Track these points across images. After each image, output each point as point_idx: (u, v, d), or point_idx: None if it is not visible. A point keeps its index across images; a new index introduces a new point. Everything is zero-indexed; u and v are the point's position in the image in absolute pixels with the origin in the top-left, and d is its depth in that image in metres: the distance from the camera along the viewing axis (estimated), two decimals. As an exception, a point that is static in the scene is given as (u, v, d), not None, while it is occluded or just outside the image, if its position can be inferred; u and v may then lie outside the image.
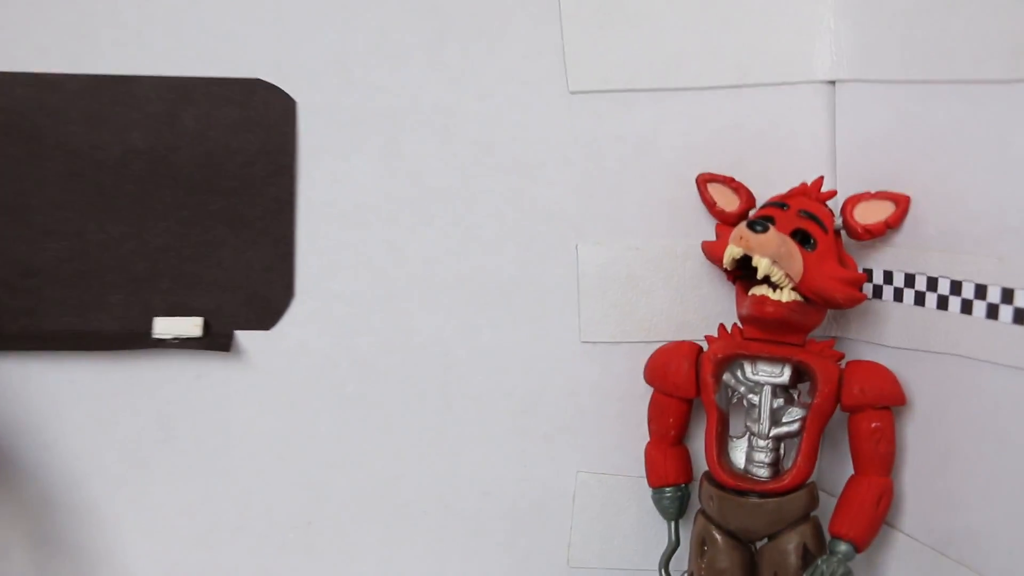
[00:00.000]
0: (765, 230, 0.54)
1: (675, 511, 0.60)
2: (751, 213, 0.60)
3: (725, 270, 0.57)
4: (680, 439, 0.61)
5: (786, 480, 0.56)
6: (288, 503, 0.63)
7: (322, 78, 0.61)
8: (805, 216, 0.56)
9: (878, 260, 0.58)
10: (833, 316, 0.61)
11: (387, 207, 0.62)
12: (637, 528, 0.63)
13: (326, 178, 0.61)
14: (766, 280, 0.55)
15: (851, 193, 0.58)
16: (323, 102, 0.61)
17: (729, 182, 0.61)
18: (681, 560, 0.61)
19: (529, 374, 0.62)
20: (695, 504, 0.60)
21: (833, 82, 0.60)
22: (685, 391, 0.59)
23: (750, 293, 0.56)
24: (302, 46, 0.61)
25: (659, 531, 0.62)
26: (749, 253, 0.54)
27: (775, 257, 0.54)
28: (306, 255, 0.62)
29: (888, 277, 0.58)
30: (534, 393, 0.63)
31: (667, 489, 0.60)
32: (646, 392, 0.61)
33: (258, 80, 0.61)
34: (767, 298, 0.55)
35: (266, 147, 0.61)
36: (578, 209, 0.62)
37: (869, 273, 0.58)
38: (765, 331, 0.57)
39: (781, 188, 0.60)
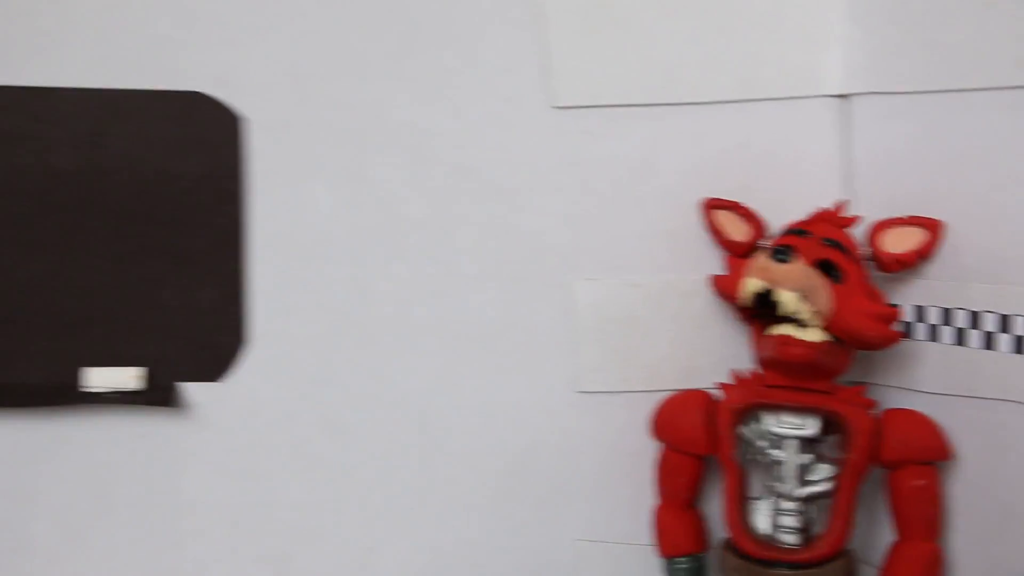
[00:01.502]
0: (789, 260, 0.49)
1: (690, 585, 0.55)
2: (762, 242, 0.54)
3: (740, 308, 0.52)
4: (693, 501, 0.55)
5: (822, 548, 0.50)
6: (245, 582, 0.57)
7: (273, 92, 0.56)
8: (830, 244, 0.51)
9: (907, 295, 0.54)
10: (857, 360, 0.55)
11: (352, 240, 0.56)
12: (646, 604, 0.57)
13: (280, 206, 0.56)
14: (790, 318, 0.49)
15: (870, 219, 0.53)
16: (275, 119, 0.56)
17: (737, 208, 0.55)
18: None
19: (519, 429, 0.57)
20: (710, 576, 0.54)
21: (844, 96, 0.56)
22: (699, 447, 0.53)
23: (771, 333, 0.50)
24: (250, 55, 0.56)
25: (671, 607, 0.56)
26: (772, 287, 0.49)
27: (802, 291, 0.48)
28: (259, 295, 0.56)
29: (920, 313, 0.53)
30: (525, 451, 0.57)
31: (681, 560, 0.54)
32: (650, 448, 0.55)
33: (198, 93, 0.56)
34: (792, 338, 0.49)
35: (210, 171, 0.56)
36: (568, 240, 0.57)
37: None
38: (790, 377, 0.51)
39: (790, 214, 0.55)
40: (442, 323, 0.56)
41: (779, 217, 0.55)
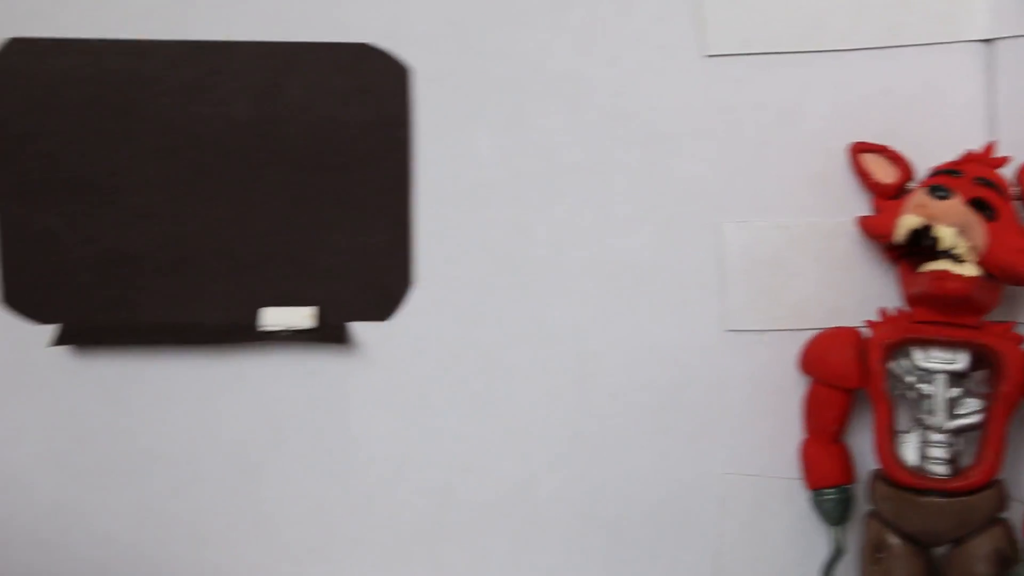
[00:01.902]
0: (949, 196, 0.50)
1: (838, 515, 0.55)
2: (910, 185, 0.55)
3: (889, 248, 0.54)
4: (840, 435, 0.56)
5: (973, 477, 0.51)
6: (411, 511, 0.58)
7: (438, 43, 0.57)
8: (982, 183, 0.52)
9: (1056, 234, 0.54)
10: (1005, 298, 0.55)
11: (513, 184, 0.57)
12: (792, 535, 0.57)
13: (445, 153, 0.57)
14: (946, 253, 0.50)
15: (1017, 160, 0.54)
16: (440, 69, 0.57)
17: (885, 151, 0.56)
18: (845, 570, 0.56)
19: (670, 366, 0.57)
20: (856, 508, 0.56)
21: (988, 41, 0.56)
22: (850, 381, 0.54)
23: (925, 268, 0.51)
24: (415, 8, 0.57)
25: (816, 538, 0.57)
26: (931, 223, 0.50)
27: (960, 227, 0.49)
28: (425, 238, 0.57)
29: (1068, 252, 0.53)
30: (676, 387, 0.58)
31: (829, 491, 0.55)
32: (797, 385, 0.56)
33: (367, 45, 0.57)
34: (949, 273, 0.50)
35: (379, 119, 0.57)
36: (718, 184, 0.57)
37: (1044, 248, 0.54)
38: (941, 312, 0.52)
39: (935, 157, 0.55)
40: (597, 264, 0.57)
41: (923, 161, 0.55)
